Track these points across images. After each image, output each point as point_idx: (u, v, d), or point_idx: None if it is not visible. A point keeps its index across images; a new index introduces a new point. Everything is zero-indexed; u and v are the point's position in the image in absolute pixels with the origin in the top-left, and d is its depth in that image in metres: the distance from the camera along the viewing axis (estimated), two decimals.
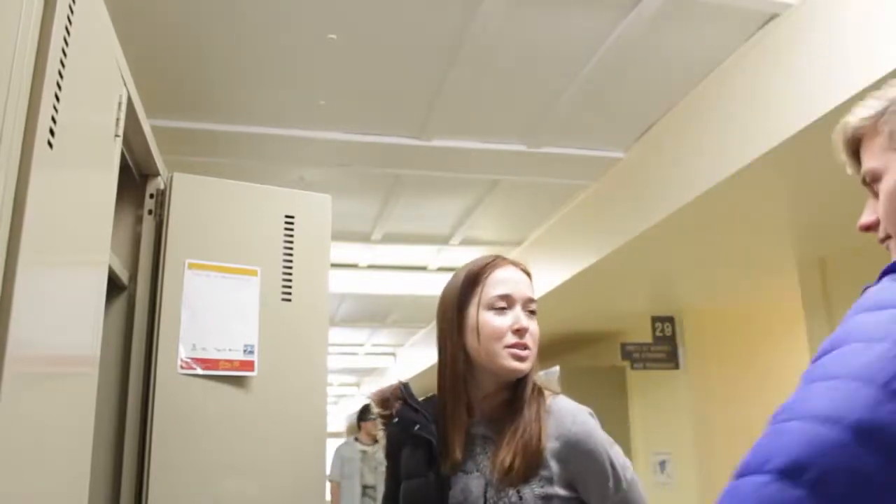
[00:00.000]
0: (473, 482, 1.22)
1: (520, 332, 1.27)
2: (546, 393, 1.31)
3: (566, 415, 1.26)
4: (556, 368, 5.32)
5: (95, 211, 1.06)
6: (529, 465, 1.18)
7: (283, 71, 2.71)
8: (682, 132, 3.01)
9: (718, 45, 2.60)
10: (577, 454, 1.20)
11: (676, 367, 4.86)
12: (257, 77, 2.75)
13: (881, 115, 0.89)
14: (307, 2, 2.31)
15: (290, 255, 1.62)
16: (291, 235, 1.63)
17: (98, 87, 1.05)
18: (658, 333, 4.88)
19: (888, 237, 0.88)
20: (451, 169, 3.54)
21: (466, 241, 4.73)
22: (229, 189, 1.62)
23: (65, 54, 0.83)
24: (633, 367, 4.91)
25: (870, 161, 0.89)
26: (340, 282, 5.25)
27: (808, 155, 2.30)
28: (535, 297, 1.34)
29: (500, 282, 1.30)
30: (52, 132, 0.80)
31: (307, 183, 3.54)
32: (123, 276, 1.45)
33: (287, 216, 1.64)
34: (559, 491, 1.19)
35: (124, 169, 1.38)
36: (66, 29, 0.84)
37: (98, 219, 1.08)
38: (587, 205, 3.94)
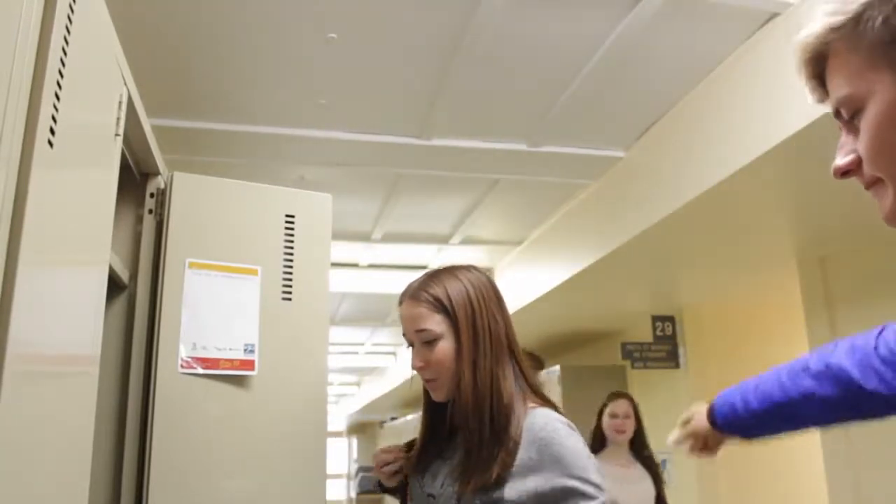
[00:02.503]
0: (444, 469, 1.27)
1: (417, 370, 1.30)
2: (529, 405, 1.25)
3: (538, 422, 1.20)
4: (557, 368, 5.32)
5: (96, 210, 1.06)
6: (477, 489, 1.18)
7: (283, 70, 2.71)
8: (683, 131, 3.01)
9: (719, 45, 2.59)
10: (544, 456, 1.16)
11: (677, 366, 4.86)
12: (257, 76, 2.75)
13: (856, 22, 0.67)
14: (307, 2, 2.31)
15: (291, 254, 1.62)
16: (292, 235, 1.63)
17: (98, 86, 1.05)
18: (658, 333, 4.89)
19: (877, 180, 0.69)
20: (452, 168, 3.54)
21: (467, 241, 4.73)
22: (230, 188, 1.62)
23: (65, 53, 0.83)
24: (633, 367, 4.91)
25: (844, 86, 0.70)
26: (341, 281, 5.25)
27: (809, 154, 2.30)
28: (434, 323, 1.27)
29: (401, 322, 1.34)
30: (52, 131, 0.80)
31: (307, 182, 3.54)
32: (124, 275, 1.45)
33: (287, 215, 1.64)
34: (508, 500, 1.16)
35: (125, 168, 1.38)
36: (67, 28, 0.84)
37: (98, 218, 1.08)
38: (587, 204, 3.94)
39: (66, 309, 0.93)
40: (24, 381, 0.75)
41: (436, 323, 1.28)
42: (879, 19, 0.66)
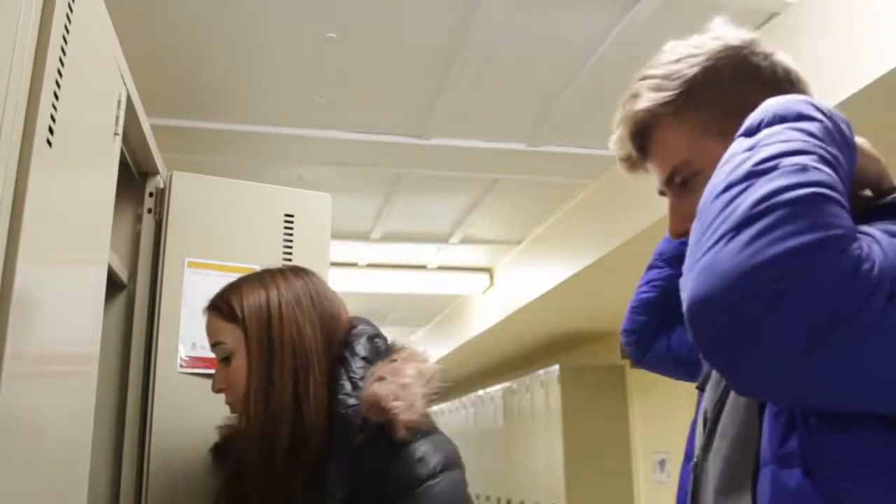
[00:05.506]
0: None
1: (218, 393, 1.15)
2: None
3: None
4: (556, 367, 5.32)
5: (95, 209, 1.06)
6: None
7: (282, 70, 2.71)
8: None
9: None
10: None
11: None
12: (257, 76, 2.75)
13: (686, 97, 0.77)
14: (307, 2, 2.31)
15: (290, 253, 1.62)
16: (291, 234, 1.63)
17: (97, 85, 1.05)
18: None
19: None
20: (451, 168, 3.55)
21: (466, 240, 4.73)
22: (229, 188, 1.62)
23: (64, 53, 0.83)
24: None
25: (681, 153, 0.78)
26: (340, 280, 5.25)
27: None
28: (229, 338, 1.13)
29: None
30: (51, 131, 0.80)
31: (307, 182, 3.54)
32: (123, 274, 1.45)
33: (287, 215, 1.64)
34: None
35: (124, 167, 1.37)
36: (66, 27, 0.84)
37: (97, 217, 1.08)
38: (587, 203, 3.94)
39: (65, 308, 0.93)
40: (22, 380, 0.75)
41: (228, 334, 1.12)
42: (709, 95, 0.77)
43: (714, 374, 0.87)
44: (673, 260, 1.22)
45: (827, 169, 0.58)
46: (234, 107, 2.98)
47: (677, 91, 0.77)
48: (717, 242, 0.56)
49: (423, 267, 5.32)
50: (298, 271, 1.19)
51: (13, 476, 0.74)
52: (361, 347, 1.10)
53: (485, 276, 5.47)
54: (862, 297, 0.52)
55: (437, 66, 2.69)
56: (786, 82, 0.78)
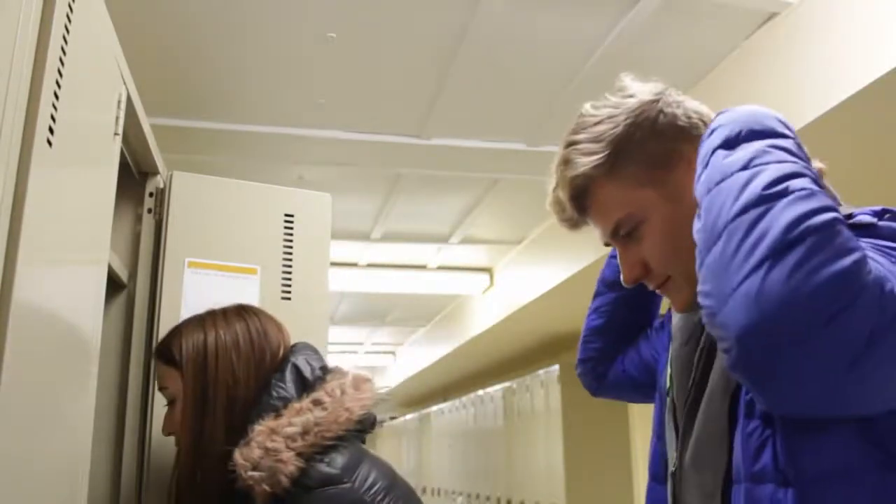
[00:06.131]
0: None
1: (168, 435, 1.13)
2: None
3: None
4: (556, 367, 5.32)
5: (95, 209, 1.06)
6: None
7: (282, 70, 2.71)
8: None
9: (718, 44, 2.60)
10: None
11: None
12: (257, 76, 2.75)
13: (616, 156, 0.81)
14: (307, 2, 2.31)
15: (290, 253, 1.62)
16: (291, 234, 1.63)
17: (97, 85, 1.05)
18: None
19: (668, 279, 0.82)
20: (451, 167, 3.54)
21: (466, 240, 4.73)
22: (229, 188, 1.62)
23: (64, 52, 0.83)
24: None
25: (621, 208, 0.81)
26: (340, 280, 5.26)
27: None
28: (173, 383, 1.12)
29: None
30: (51, 130, 0.80)
31: (307, 182, 3.54)
32: (123, 274, 1.45)
33: (287, 215, 1.64)
34: None
35: (124, 167, 1.37)
36: (66, 27, 0.84)
37: (98, 217, 1.08)
38: None
39: (65, 308, 0.93)
40: (23, 380, 0.75)
41: (169, 379, 1.12)
42: (636, 151, 0.81)
43: (679, 382, 0.87)
44: (614, 284, 1.25)
45: (819, 188, 0.63)
46: (234, 107, 2.98)
47: (605, 153, 0.81)
48: (756, 268, 0.58)
49: (423, 267, 5.32)
50: (241, 311, 1.18)
51: (13, 476, 0.74)
52: (279, 388, 1.07)
53: (485, 276, 5.47)
54: (892, 313, 0.56)
55: (437, 66, 2.69)
56: (700, 125, 0.83)
